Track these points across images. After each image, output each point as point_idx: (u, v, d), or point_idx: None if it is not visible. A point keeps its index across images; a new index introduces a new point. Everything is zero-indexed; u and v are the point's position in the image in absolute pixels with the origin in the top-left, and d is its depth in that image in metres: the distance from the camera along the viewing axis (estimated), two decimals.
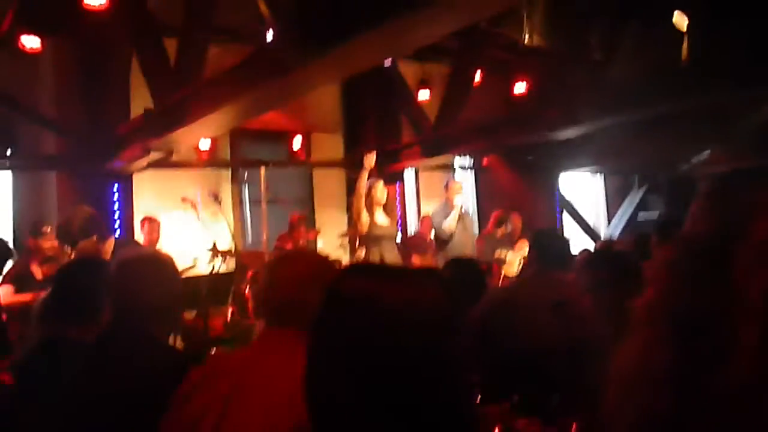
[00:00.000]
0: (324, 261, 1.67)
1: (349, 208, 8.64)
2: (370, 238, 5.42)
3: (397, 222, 6.09)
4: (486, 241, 7.46)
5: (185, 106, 5.30)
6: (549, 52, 8.10)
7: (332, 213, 9.01)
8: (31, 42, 5.98)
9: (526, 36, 6.16)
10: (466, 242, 6.49)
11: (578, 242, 9.98)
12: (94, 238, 4.35)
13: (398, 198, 9.02)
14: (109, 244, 4.44)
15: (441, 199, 7.01)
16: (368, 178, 5.50)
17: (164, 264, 2.02)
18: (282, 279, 1.57)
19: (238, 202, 8.13)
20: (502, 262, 7.22)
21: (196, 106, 5.19)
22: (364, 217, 5.38)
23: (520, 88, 8.46)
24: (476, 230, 8.40)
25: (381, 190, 5.53)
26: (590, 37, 7.48)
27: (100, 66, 6.70)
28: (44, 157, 6.98)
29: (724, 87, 5.42)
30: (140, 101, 6.12)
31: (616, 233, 11.46)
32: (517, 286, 3.45)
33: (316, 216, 8.87)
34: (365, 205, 5.44)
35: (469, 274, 3.34)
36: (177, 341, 4.39)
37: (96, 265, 2.27)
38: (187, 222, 6.95)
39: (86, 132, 6.69)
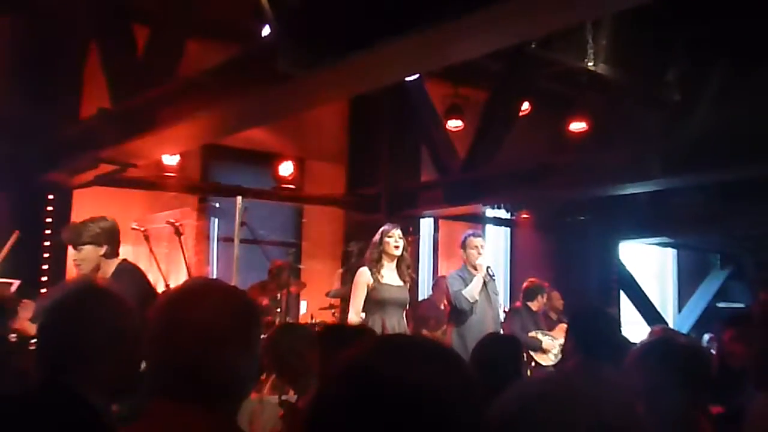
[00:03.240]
0: (244, 301, 1.60)
1: (347, 261, 8.80)
2: (373, 301, 5.46)
3: (411, 284, 6.00)
4: (515, 319, 7.50)
5: (151, 110, 5.39)
6: (616, 86, 8.30)
7: (324, 263, 9.00)
8: None
9: (589, 61, 6.28)
10: (488, 317, 6.32)
11: (636, 331, 9.87)
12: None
13: (411, 253, 9.07)
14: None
15: (460, 260, 6.93)
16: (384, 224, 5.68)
17: (104, 301, 1.97)
18: (181, 328, 1.46)
19: (203, 238, 8.22)
20: (535, 347, 7.34)
21: (164, 110, 5.28)
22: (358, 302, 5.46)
23: (576, 127, 8.61)
24: (504, 302, 8.42)
25: (396, 240, 5.60)
26: (669, 72, 7.63)
27: (47, 50, 6.77)
28: None
29: None
30: (94, 99, 6.24)
31: (688, 325, 11.39)
32: (551, 384, 3.46)
33: (303, 265, 8.89)
34: (371, 256, 5.56)
35: (504, 356, 3.41)
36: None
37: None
38: (135, 257, 6.92)
39: (20, 131, 6.70)
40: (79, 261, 4.35)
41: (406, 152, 9.29)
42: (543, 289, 7.73)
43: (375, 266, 5.54)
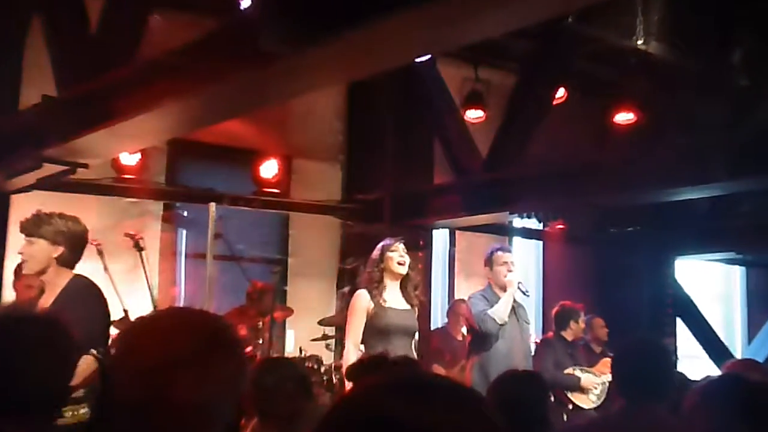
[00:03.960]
0: (213, 329, 1.71)
1: (343, 281, 8.86)
2: (374, 330, 5.54)
3: (421, 308, 6.13)
4: (548, 352, 7.55)
5: (106, 98, 5.38)
6: (670, 69, 8.27)
7: (315, 284, 9.03)
8: None
9: (638, 39, 6.28)
10: (517, 350, 6.43)
11: (695, 366, 9.83)
12: None
13: (421, 271, 9.02)
14: None
15: (484, 279, 7.01)
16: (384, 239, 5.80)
17: (46, 333, 2.06)
18: (138, 360, 1.61)
19: (169, 254, 8.23)
20: (572, 386, 7.34)
21: (122, 98, 5.28)
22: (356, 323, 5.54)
23: (623, 118, 8.61)
24: (536, 331, 8.44)
25: (401, 256, 5.70)
26: (734, 52, 7.59)
27: None
28: None
29: None
30: (37, 85, 6.24)
31: (761, 358, 11.31)
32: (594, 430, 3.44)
33: (290, 287, 8.93)
34: (371, 276, 5.65)
35: (527, 398, 3.42)
36: None
37: None
38: (88, 276, 6.96)
39: None
40: (26, 256, 4.42)
41: (416, 149, 9.25)
42: (577, 313, 7.80)
43: (376, 288, 5.61)
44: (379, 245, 5.76)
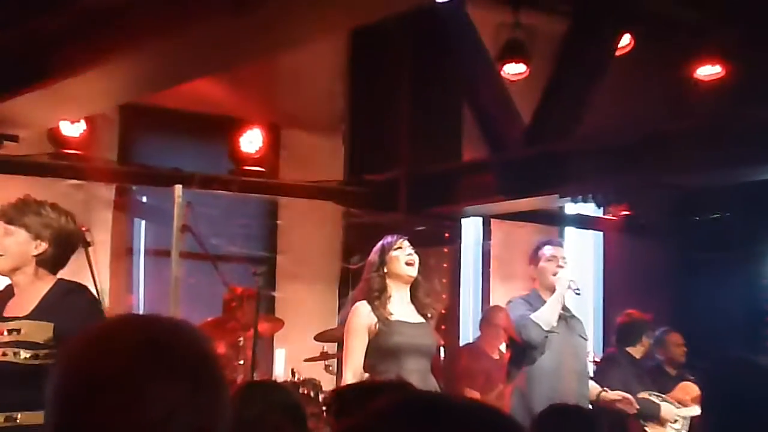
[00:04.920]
0: (170, 338, 1.70)
1: (345, 285, 8.76)
2: (380, 351, 5.57)
3: (444, 320, 6.23)
4: (613, 371, 7.54)
5: (40, 51, 5.44)
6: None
7: (311, 290, 9.04)
8: None
9: None
10: (568, 368, 6.48)
11: None
12: None
13: (447, 271, 8.99)
14: None
15: (527, 281, 7.05)
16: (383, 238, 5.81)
17: None
18: (83, 380, 1.62)
19: (125, 251, 8.25)
20: (651, 414, 7.32)
21: (60, 51, 5.33)
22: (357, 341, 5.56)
23: (707, 72, 8.57)
24: (595, 348, 8.37)
25: (408, 256, 5.73)
26: None
27: None
28: None
29: None
30: None
31: None
32: None
33: (279, 292, 8.91)
34: (370, 284, 5.67)
35: None
36: None
37: None
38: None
39: None
40: (1, 249, 4.46)
41: (439, 116, 9.22)
42: (647, 326, 7.79)
43: (378, 298, 5.61)
44: (378, 245, 5.75)
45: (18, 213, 4.42)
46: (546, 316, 6.36)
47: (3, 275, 4.56)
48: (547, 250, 6.63)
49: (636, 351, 7.66)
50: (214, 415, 1.65)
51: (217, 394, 1.67)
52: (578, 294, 6.71)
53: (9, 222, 4.43)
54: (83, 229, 6.76)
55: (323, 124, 9.38)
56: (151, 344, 1.64)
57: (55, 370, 1.66)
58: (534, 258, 6.66)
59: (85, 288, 4.62)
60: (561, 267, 6.53)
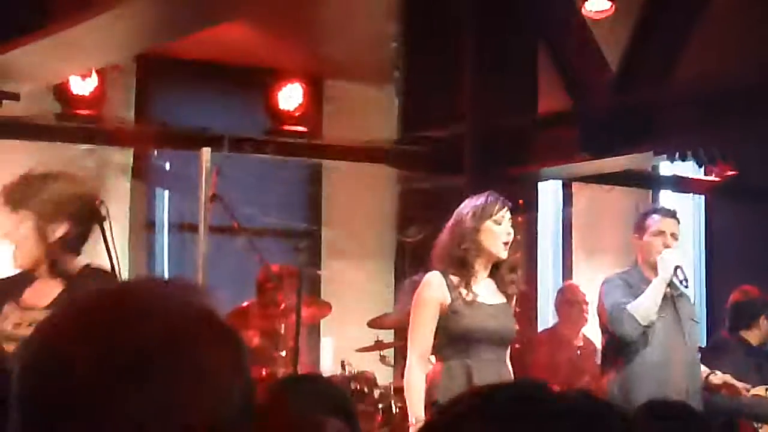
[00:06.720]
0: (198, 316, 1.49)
1: (402, 262, 8.80)
2: (451, 336, 5.43)
3: (522, 300, 6.20)
4: (726, 358, 7.28)
5: None
6: None
7: (362, 268, 8.93)
8: None
9: None
10: (676, 359, 6.37)
11: None
12: None
13: (521, 244, 8.89)
14: None
15: (626, 254, 6.84)
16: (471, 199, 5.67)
17: None
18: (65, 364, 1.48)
19: (145, 224, 8.22)
20: (763, 414, 7.16)
21: None
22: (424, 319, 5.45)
23: None
24: (703, 333, 8.02)
25: (508, 234, 5.54)
26: None
27: None
28: None
29: None
30: None
31: None
32: None
33: (326, 271, 8.91)
34: (450, 253, 5.46)
35: None
36: None
37: None
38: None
39: None
40: (13, 239, 4.32)
41: (510, 61, 8.86)
42: (766, 306, 7.61)
43: (459, 272, 5.43)
44: (468, 205, 5.52)
45: (22, 195, 4.30)
46: (644, 309, 6.18)
47: (22, 270, 4.47)
48: (654, 222, 6.47)
49: (752, 336, 7.48)
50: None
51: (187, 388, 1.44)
52: (686, 287, 6.57)
53: (14, 208, 4.31)
54: (97, 201, 6.63)
55: (373, 74, 9.41)
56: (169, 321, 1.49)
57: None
58: (640, 227, 6.52)
59: (113, 275, 4.58)
60: (668, 246, 6.34)
